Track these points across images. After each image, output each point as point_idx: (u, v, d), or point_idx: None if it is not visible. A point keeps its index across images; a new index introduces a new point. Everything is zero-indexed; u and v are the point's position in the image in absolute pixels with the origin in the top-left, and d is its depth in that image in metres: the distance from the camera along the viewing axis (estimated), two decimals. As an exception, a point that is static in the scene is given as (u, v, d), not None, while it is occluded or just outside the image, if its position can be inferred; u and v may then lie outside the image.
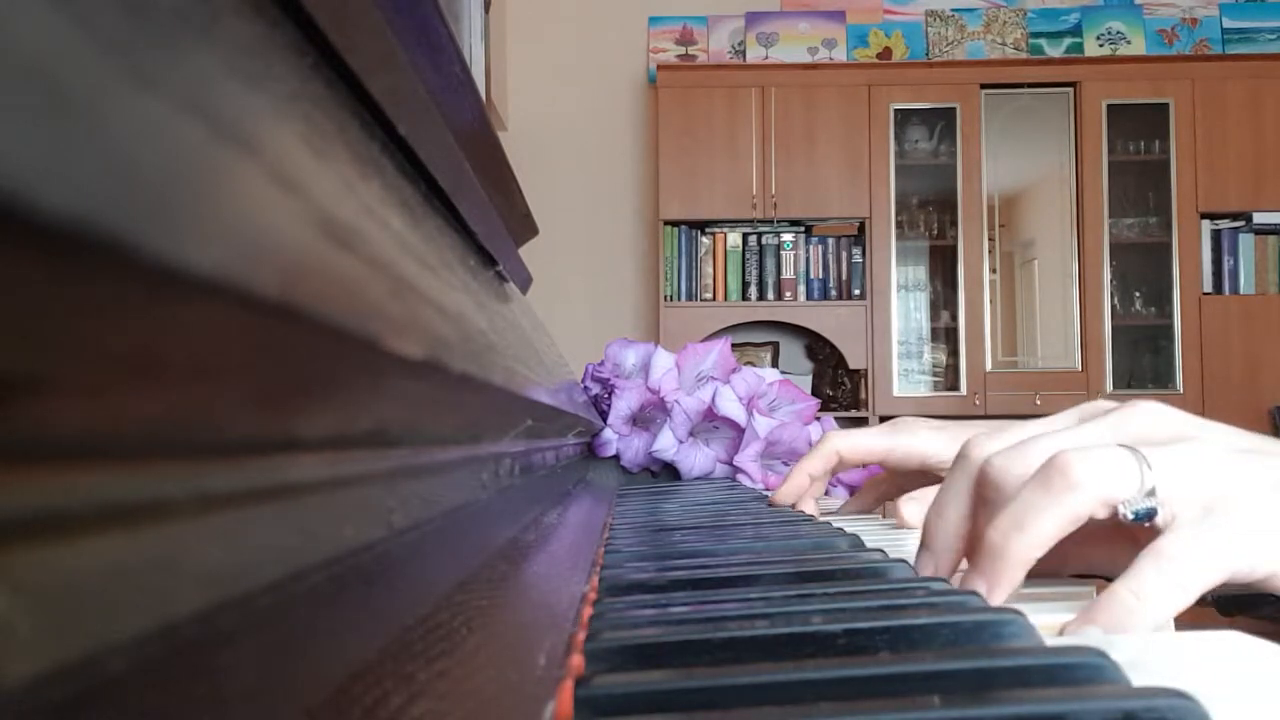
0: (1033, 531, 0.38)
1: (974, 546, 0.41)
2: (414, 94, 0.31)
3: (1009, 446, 0.42)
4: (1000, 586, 0.38)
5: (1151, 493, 0.37)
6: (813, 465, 0.75)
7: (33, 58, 0.08)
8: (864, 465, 0.78)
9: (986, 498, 0.42)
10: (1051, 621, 0.35)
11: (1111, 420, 0.42)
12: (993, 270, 3.62)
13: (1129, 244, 3.61)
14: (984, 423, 0.72)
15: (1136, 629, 0.34)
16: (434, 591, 0.29)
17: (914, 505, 0.67)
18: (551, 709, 0.23)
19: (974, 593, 0.34)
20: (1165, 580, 0.35)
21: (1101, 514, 0.38)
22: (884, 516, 0.79)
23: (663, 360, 1.18)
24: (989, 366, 3.58)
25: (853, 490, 0.97)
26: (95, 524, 0.11)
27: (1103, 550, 0.43)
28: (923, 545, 0.45)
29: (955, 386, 3.59)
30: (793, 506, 0.75)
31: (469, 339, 0.27)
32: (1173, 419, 0.41)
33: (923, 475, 0.73)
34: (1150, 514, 0.37)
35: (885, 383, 3.57)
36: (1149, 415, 0.41)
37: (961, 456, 0.44)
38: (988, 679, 0.24)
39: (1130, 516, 0.37)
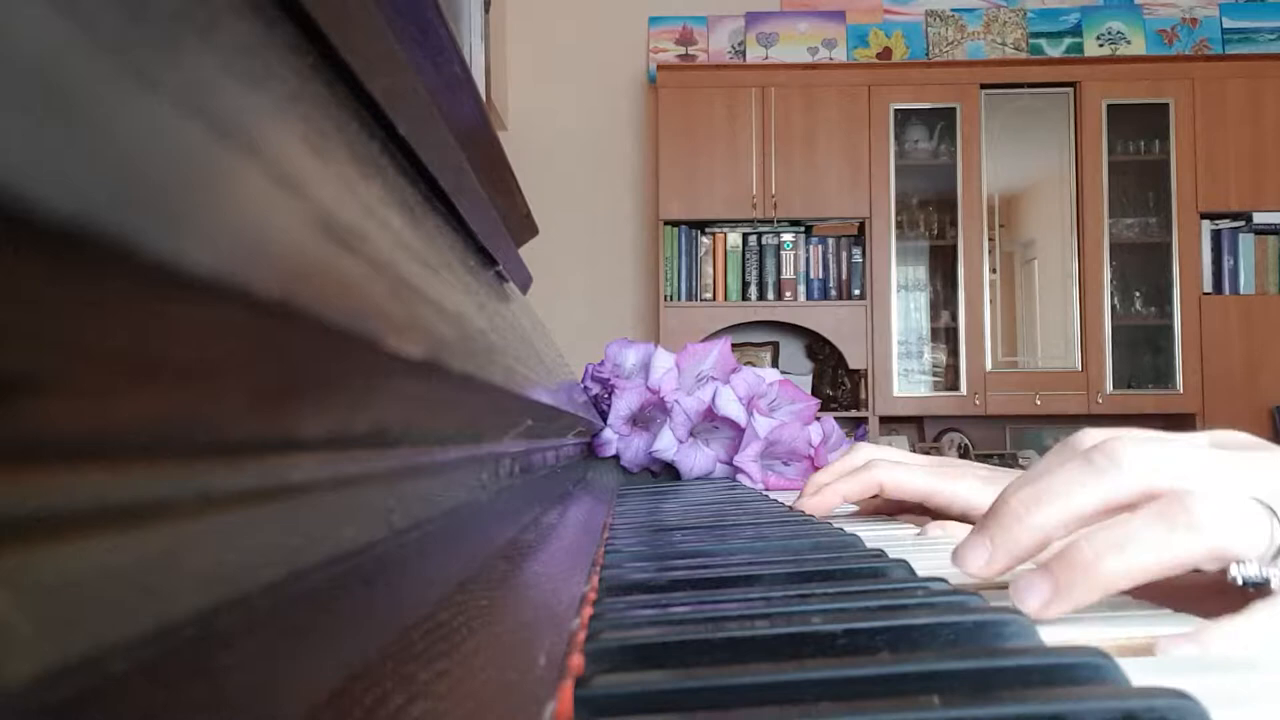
0: (1131, 561, 0.33)
1: (1055, 528, 0.36)
2: (414, 94, 0.31)
3: (1134, 438, 0.37)
4: (1068, 602, 0.34)
5: (1275, 558, 0.33)
6: (850, 490, 0.70)
7: (33, 58, 0.08)
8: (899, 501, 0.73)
9: (1094, 464, 0.36)
10: (1112, 635, 0.32)
11: (1252, 462, 0.36)
12: (993, 270, 3.62)
13: (1129, 244, 3.61)
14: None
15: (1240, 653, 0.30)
16: (434, 591, 0.29)
17: (940, 530, 0.63)
18: (551, 709, 0.23)
19: (974, 593, 0.34)
20: None
21: (1210, 567, 0.34)
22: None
23: (663, 360, 1.18)
24: (989, 366, 3.58)
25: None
26: (95, 524, 0.11)
27: (1187, 598, 0.38)
28: (991, 514, 0.39)
29: (955, 386, 3.59)
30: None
31: (469, 339, 0.27)
32: None
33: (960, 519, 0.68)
34: (1264, 583, 0.33)
35: (885, 383, 3.57)
36: None
37: (1068, 443, 0.39)
38: (988, 679, 0.24)
39: (1241, 580, 0.34)
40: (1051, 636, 0.30)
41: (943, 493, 0.66)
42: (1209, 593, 0.37)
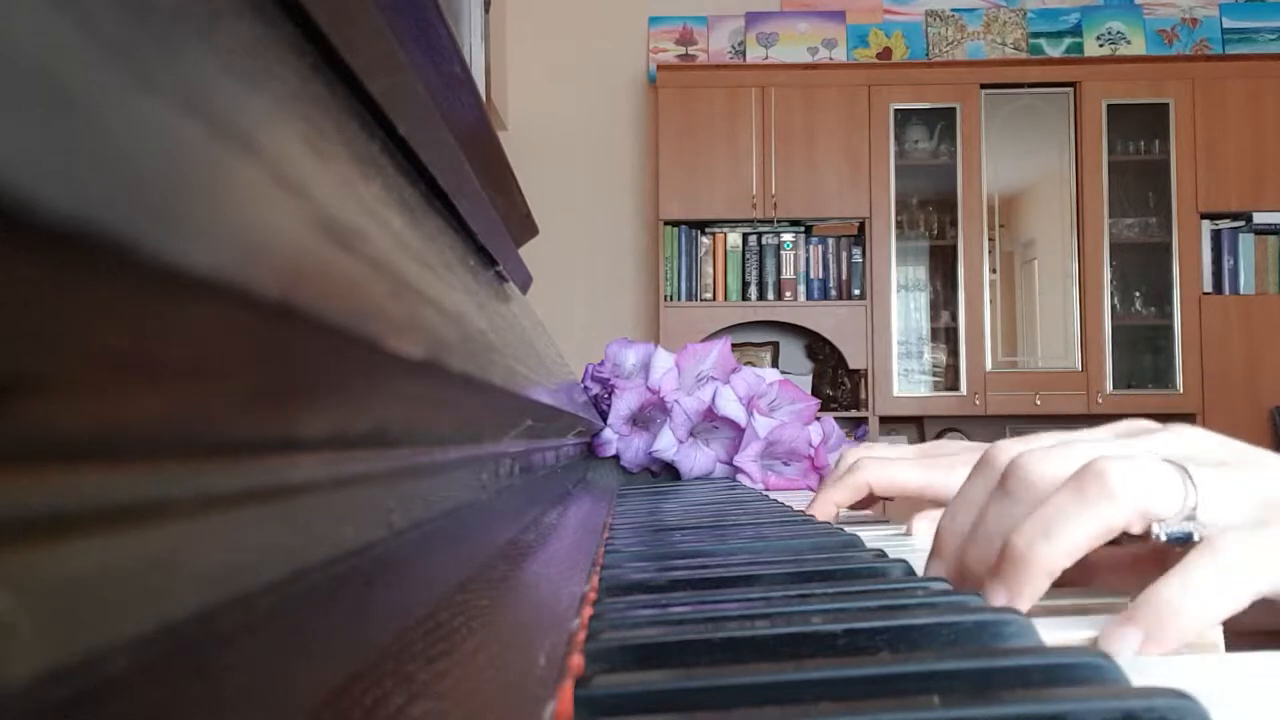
0: (1061, 539, 0.35)
1: (997, 554, 0.37)
2: (414, 94, 0.31)
3: (1041, 448, 0.39)
4: (1023, 597, 0.35)
5: (1192, 515, 0.35)
6: (841, 497, 0.70)
7: (33, 58, 0.08)
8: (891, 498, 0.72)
9: (1011, 494, 0.38)
10: (1076, 637, 0.32)
11: (1156, 439, 0.39)
12: (993, 270, 3.62)
13: (1129, 244, 3.61)
14: None
15: (1184, 632, 0.31)
16: (434, 591, 0.29)
17: (926, 523, 0.63)
18: (551, 709, 0.23)
19: (974, 593, 0.34)
20: (1218, 578, 0.31)
21: (1137, 528, 0.35)
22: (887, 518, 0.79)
23: (663, 360, 1.18)
24: (989, 366, 3.58)
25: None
26: (95, 524, 0.11)
27: (1130, 575, 0.39)
28: (933, 553, 0.42)
29: (955, 386, 3.59)
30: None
31: (469, 339, 0.27)
32: (1221, 444, 0.38)
33: None
34: (1187, 538, 0.34)
35: (885, 383, 3.57)
36: (1196, 437, 0.38)
37: (985, 460, 0.41)
38: (988, 679, 0.24)
39: (1165, 536, 0.35)
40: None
41: (934, 487, 0.66)
42: (1144, 560, 0.39)
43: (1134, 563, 0.40)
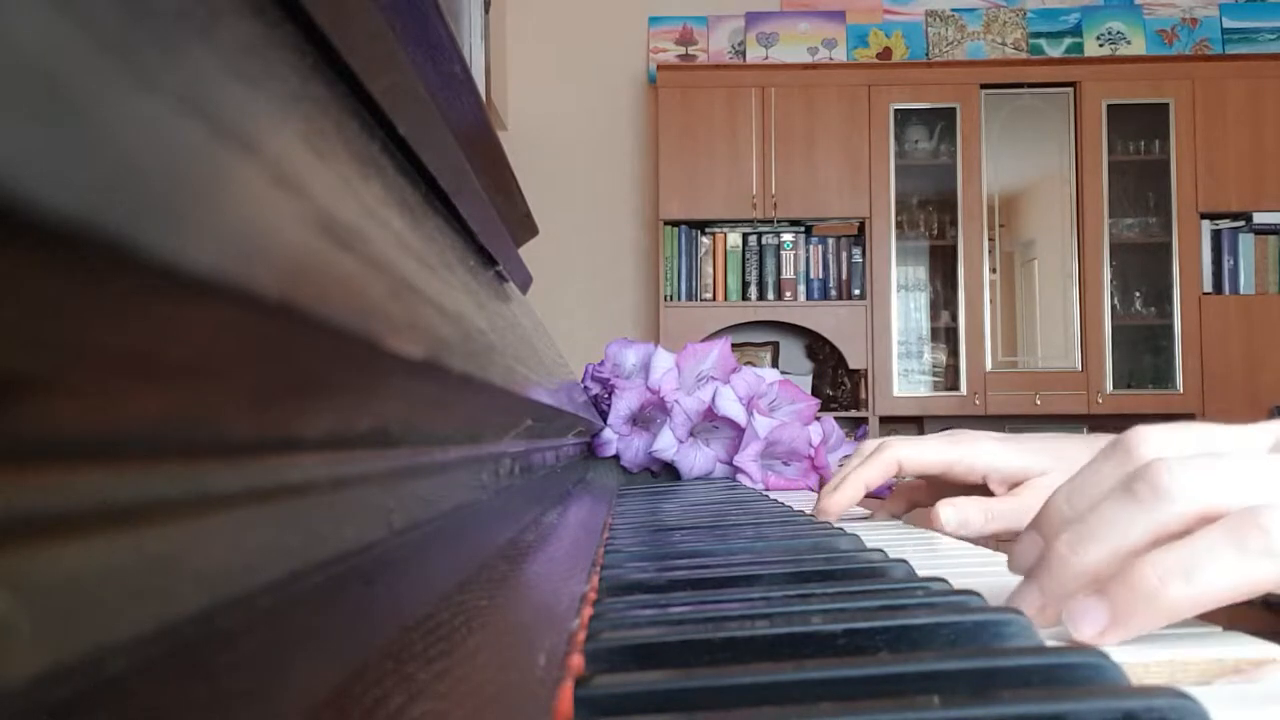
0: (1201, 587, 0.30)
1: (1099, 559, 0.33)
2: (414, 94, 0.31)
3: (1188, 457, 0.34)
4: (1128, 629, 0.31)
5: None
6: (871, 474, 0.68)
7: (33, 57, 0.08)
8: (920, 477, 0.72)
9: (1140, 500, 0.33)
10: (1153, 658, 0.30)
11: None
12: (993, 270, 3.62)
13: (1129, 244, 3.61)
14: (1042, 436, 0.69)
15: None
16: (434, 591, 0.29)
17: (950, 510, 0.62)
18: (551, 709, 0.23)
19: (974, 593, 0.34)
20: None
21: None
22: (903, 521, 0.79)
23: (663, 360, 1.18)
24: (989, 366, 3.58)
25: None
26: (95, 524, 0.11)
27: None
28: (1033, 525, 0.37)
29: (955, 386, 3.59)
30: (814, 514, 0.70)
31: (469, 339, 0.27)
32: None
33: (976, 487, 0.67)
34: None
35: (885, 383, 3.57)
36: None
37: (1121, 445, 0.36)
38: (988, 679, 0.24)
39: None
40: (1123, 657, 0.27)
41: (962, 460, 0.66)
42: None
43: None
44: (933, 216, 3.66)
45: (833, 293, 3.62)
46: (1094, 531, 0.34)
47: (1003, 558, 0.50)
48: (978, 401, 3.55)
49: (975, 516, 0.62)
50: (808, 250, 3.63)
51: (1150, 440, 0.36)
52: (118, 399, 0.11)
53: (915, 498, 0.75)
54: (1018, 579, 0.36)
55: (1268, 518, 0.30)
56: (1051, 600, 0.34)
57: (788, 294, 3.61)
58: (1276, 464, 0.33)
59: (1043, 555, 0.34)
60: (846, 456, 1.11)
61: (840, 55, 3.69)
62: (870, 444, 0.72)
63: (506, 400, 0.36)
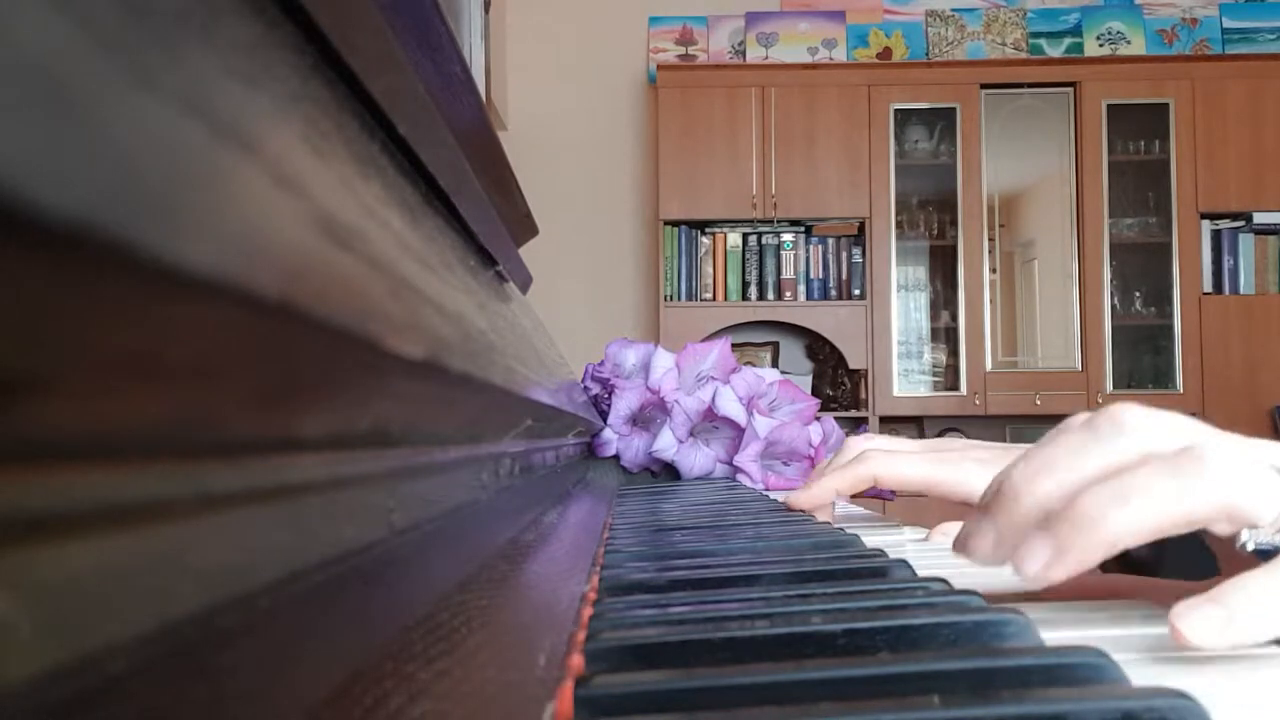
0: (1136, 512, 0.31)
1: (1055, 497, 0.33)
2: (414, 94, 0.31)
3: (1146, 409, 0.34)
4: (1068, 561, 0.31)
5: None
6: (842, 484, 0.67)
7: (33, 58, 0.08)
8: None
9: (1097, 432, 0.34)
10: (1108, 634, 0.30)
11: (1266, 444, 0.34)
12: (993, 270, 3.62)
13: (1129, 244, 3.61)
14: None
15: (1259, 630, 0.29)
16: (434, 591, 0.29)
17: (943, 539, 0.61)
18: (551, 709, 0.23)
19: (974, 593, 0.34)
20: None
21: (1221, 527, 0.32)
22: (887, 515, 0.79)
23: (663, 360, 1.18)
24: (989, 366, 3.58)
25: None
26: (95, 524, 0.11)
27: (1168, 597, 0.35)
28: (988, 509, 0.37)
29: (955, 386, 3.59)
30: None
31: (469, 339, 0.27)
32: None
33: (962, 507, 0.65)
34: (1276, 551, 0.31)
35: (885, 383, 3.57)
36: None
37: (1109, 418, 0.36)
38: (988, 679, 0.24)
39: (1253, 545, 0.31)
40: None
41: (944, 482, 0.63)
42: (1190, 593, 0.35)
43: (1177, 590, 0.36)
44: (933, 216, 3.67)
45: (833, 293, 3.62)
46: (1048, 466, 0.34)
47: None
48: (978, 401, 3.55)
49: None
50: (808, 250, 3.63)
51: (1125, 410, 0.36)
52: (118, 399, 0.11)
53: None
54: (1017, 579, 0.35)
55: (1206, 449, 0.31)
56: (1004, 534, 0.34)
57: (788, 294, 3.61)
58: (1222, 432, 0.35)
59: (996, 490, 0.35)
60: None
61: (840, 55, 3.69)
62: (853, 446, 0.70)
63: (506, 400, 0.36)
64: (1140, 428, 0.34)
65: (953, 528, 0.60)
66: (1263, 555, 0.31)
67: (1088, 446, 0.34)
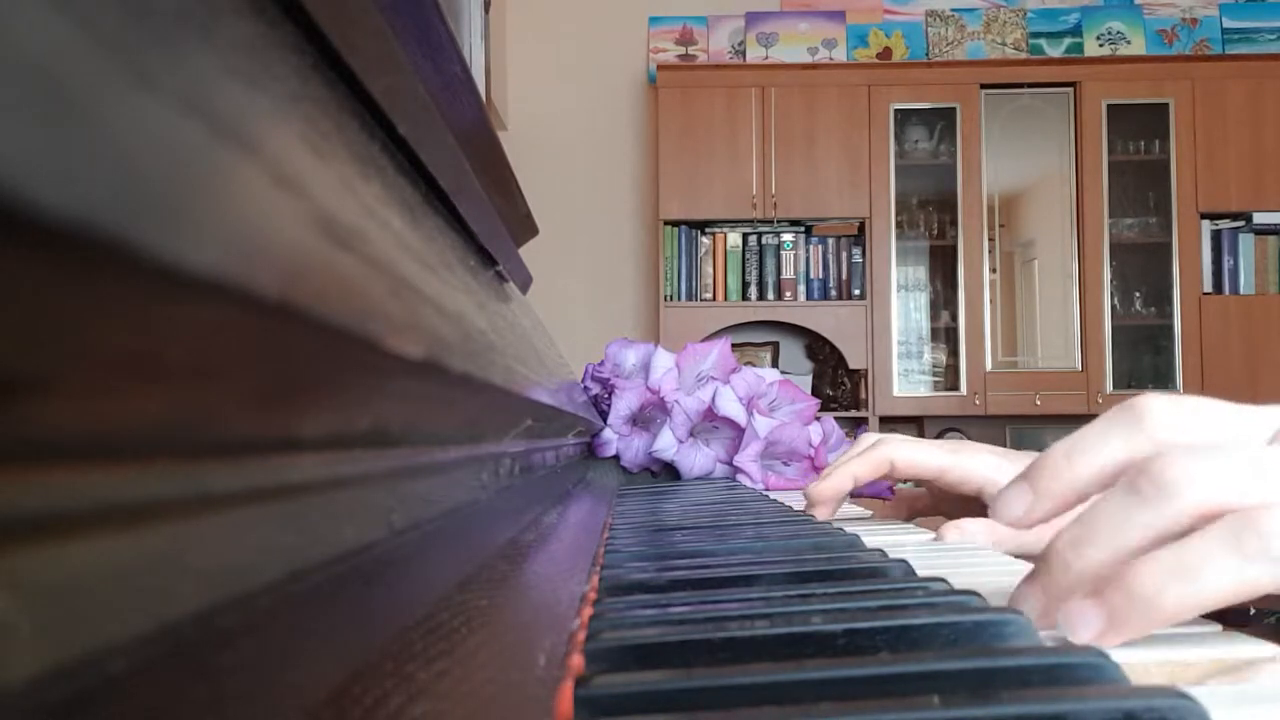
0: (1197, 591, 0.30)
1: (1100, 560, 0.33)
2: (414, 94, 0.31)
3: (1196, 449, 0.33)
4: (1124, 633, 0.30)
5: None
6: (861, 470, 0.67)
7: (33, 58, 0.08)
8: (915, 481, 0.71)
9: (1143, 496, 0.32)
10: (1153, 659, 0.29)
11: None
12: (993, 270, 3.62)
13: (1129, 244, 3.61)
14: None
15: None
16: (434, 591, 0.29)
17: (955, 533, 0.61)
18: (551, 709, 0.23)
19: (974, 593, 0.34)
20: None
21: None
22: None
23: (663, 360, 1.18)
24: (989, 366, 3.58)
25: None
26: (95, 524, 0.11)
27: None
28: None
29: (955, 386, 3.59)
30: (807, 509, 0.70)
31: (469, 339, 0.27)
32: None
33: (973, 501, 0.66)
34: None
35: (885, 383, 3.57)
36: None
37: (1134, 412, 0.35)
38: (988, 679, 0.24)
39: None
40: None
41: (957, 468, 0.64)
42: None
43: None
44: (933, 216, 3.67)
45: (833, 293, 3.62)
46: (1095, 532, 0.33)
47: (1004, 558, 0.50)
48: (978, 401, 3.55)
49: (981, 539, 0.61)
50: (808, 250, 3.63)
51: (1158, 417, 0.35)
52: (118, 399, 0.11)
53: (916, 506, 0.75)
54: (1018, 580, 0.35)
55: (1266, 521, 0.30)
56: (1053, 602, 0.33)
57: (788, 294, 3.61)
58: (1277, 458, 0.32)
59: (1043, 556, 0.34)
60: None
61: (840, 55, 3.69)
62: (868, 438, 0.71)
63: (506, 400, 0.36)
64: (1192, 487, 0.32)
65: (967, 524, 0.60)
66: None
67: (1136, 515, 0.32)
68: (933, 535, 0.63)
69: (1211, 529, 0.31)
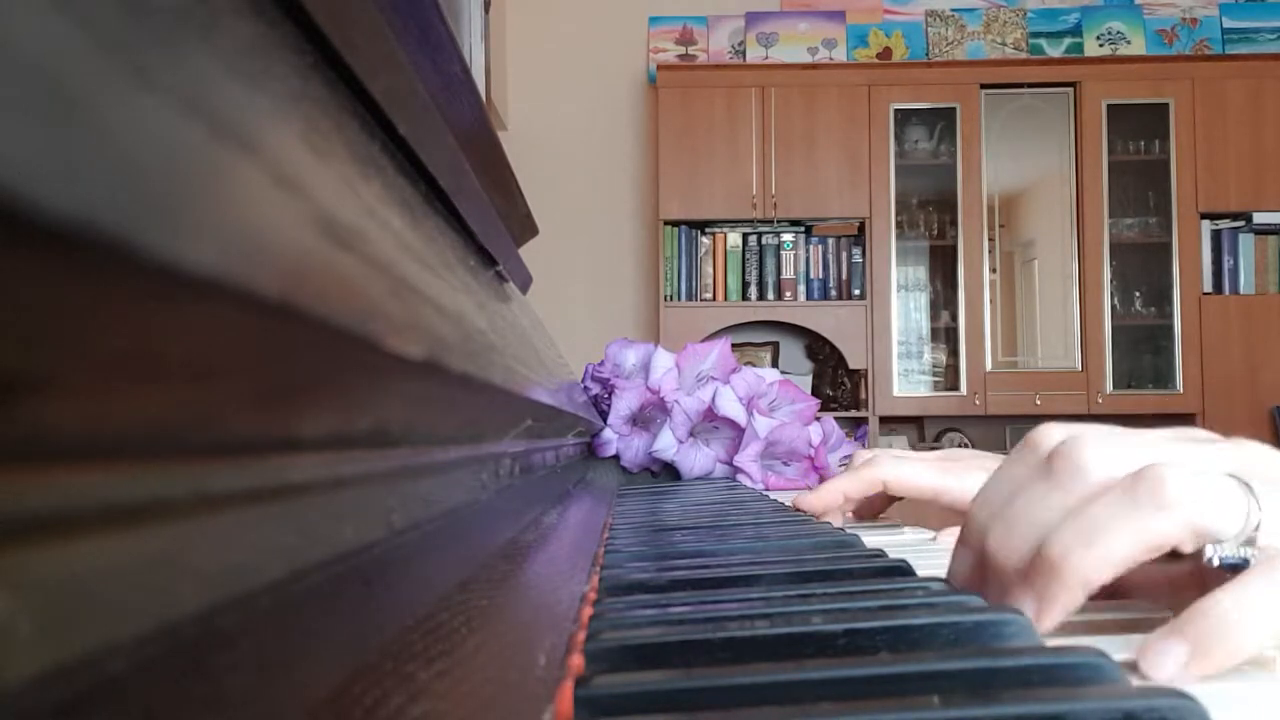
0: (1102, 550, 0.31)
1: (1026, 546, 0.34)
2: (414, 94, 0.31)
3: (1095, 433, 0.34)
4: (1053, 609, 0.31)
5: (1253, 538, 0.31)
6: (851, 487, 0.68)
7: (33, 58, 0.08)
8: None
9: (1055, 476, 0.34)
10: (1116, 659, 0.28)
11: (1216, 449, 0.34)
12: (993, 270, 3.62)
13: (1129, 244, 3.61)
14: None
15: (1235, 652, 0.28)
16: (434, 591, 0.29)
17: (952, 539, 0.63)
18: (551, 709, 0.23)
19: (974, 594, 0.34)
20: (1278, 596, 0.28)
21: (1189, 546, 0.31)
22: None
23: (663, 360, 1.18)
24: (989, 366, 3.58)
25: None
26: (95, 524, 0.11)
27: (1167, 596, 0.35)
28: (960, 541, 0.38)
29: (955, 386, 3.59)
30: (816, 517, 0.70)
31: (469, 339, 0.27)
32: None
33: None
34: (1243, 564, 0.30)
35: (885, 383, 3.57)
36: (1261, 453, 0.34)
37: (1030, 441, 0.36)
38: (988, 679, 0.24)
39: (1219, 560, 0.31)
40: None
41: (950, 492, 0.64)
42: (1185, 581, 0.34)
43: (1170, 583, 0.36)
44: (933, 216, 3.67)
45: (833, 293, 3.62)
46: (1014, 525, 0.34)
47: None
48: (978, 401, 3.55)
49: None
50: (808, 250, 3.63)
51: (1056, 432, 0.36)
52: (118, 399, 0.11)
53: (876, 505, 0.74)
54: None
55: (1158, 474, 0.31)
56: (1003, 598, 0.34)
57: (788, 294, 3.61)
58: (1178, 445, 0.34)
59: (1037, 562, 0.34)
60: (847, 457, 1.11)
61: (840, 55, 3.69)
62: (862, 454, 0.71)
63: (506, 400, 0.36)
64: (1097, 463, 0.33)
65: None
66: (1230, 569, 0.31)
67: (1050, 497, 0.34)
68: (930, 534, 0.63)
69: (1107, 491, 0.32)
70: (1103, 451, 0.34)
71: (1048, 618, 0.31)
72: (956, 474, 0.65)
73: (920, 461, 0.67)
